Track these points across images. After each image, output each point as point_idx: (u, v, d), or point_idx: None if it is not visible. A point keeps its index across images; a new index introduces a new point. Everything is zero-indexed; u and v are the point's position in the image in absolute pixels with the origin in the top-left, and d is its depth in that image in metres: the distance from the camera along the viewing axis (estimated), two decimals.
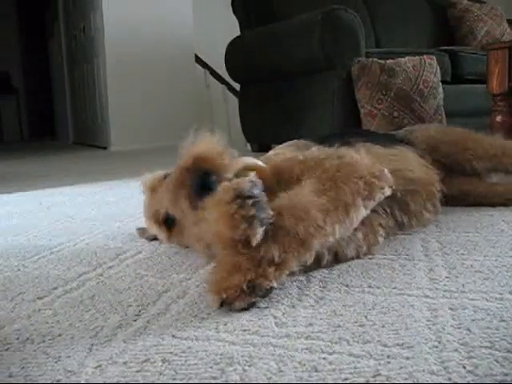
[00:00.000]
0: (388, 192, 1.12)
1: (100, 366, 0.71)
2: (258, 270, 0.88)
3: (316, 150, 1.21)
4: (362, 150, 1.26)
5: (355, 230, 1.16)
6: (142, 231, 1.43)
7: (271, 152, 1.44)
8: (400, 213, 1.31)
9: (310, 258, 0.95)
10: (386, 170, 1.13)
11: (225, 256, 0.93)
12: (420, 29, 4.47)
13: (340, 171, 1.05)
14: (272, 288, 0.89)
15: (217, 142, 1.16)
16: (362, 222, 1.19)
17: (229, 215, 0.88)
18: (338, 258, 1.11)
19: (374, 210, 1.23)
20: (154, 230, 1.27)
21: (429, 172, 1.44)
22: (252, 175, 1.09)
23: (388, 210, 1.27)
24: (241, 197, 0.89)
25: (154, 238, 1.38)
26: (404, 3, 4.53)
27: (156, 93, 5.55)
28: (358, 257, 1.15)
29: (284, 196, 1.00)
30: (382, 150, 1.37)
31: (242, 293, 0.87)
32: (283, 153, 1.35)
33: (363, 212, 1.05)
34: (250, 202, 0.89)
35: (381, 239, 1.21)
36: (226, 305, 0.87)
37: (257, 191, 0.91)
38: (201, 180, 1.06)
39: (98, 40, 5.54)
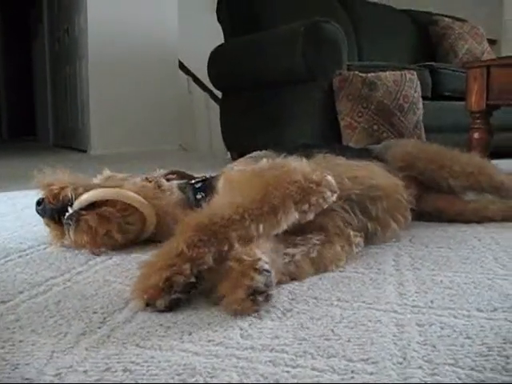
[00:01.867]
0: (332, 197, 1.14)
1: (59, 374, 0.69)
2: (173, 268, 0.91)
3: (264, 162, 1.23)
4: (317, 160, 1.30)
5: (331, 243, 1.17)
6: None
7: (234, 163, 1.46)
8: (363, 216, 1.31)
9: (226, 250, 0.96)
10: (328, 177, 1.15)
11: (146, 260, 0.99)
12: (402, 44, 4.51)
13: (274, 178, 1.09)
14: (191, 283, 0.92)
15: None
16: (338, 234, 1.20)
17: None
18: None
19: (348, 222, 1.25)
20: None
21: (393, 180, 1.44)
22: None
23: (350, 211, 1.28)
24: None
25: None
26: (387, 18, 4.58)
27: (138, 97, 5.53)
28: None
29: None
30: (342, 161, 1.38)
31: (161, 291, 0.90)
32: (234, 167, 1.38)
33: (295, 215, 1.07)
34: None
35: (355, 248, 1.25)
36: (151, 305, 0.91)
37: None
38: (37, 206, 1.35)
39: (81, 42, 5.50)
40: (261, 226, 1.01)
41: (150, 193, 1.38)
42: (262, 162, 1.25)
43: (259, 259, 0.92)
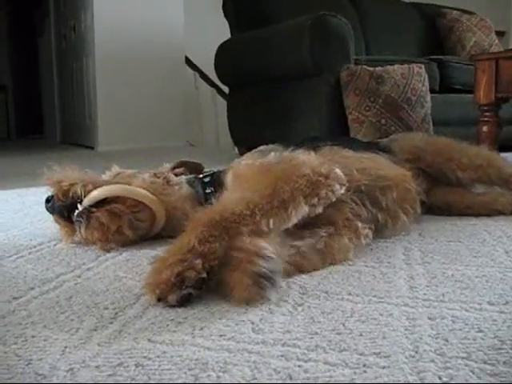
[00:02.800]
0: (340, 190, 1.15)
1: (72, 369, 0.70)
2: (185, 263, 0.92)
3: (273, 156, 1.24)
4: (325, 153, 1.31)
5: (339, 235, 1.17)
6: None
7: (242, 158, 1.45)
8: (372, 208, 1.31)
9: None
10: (336, 170, 1.15)
11: (158, 255, 1.00)
12: (410, 37, 4.49)
13: (283, 172, 1.10)
14: (202, 279, 0.92)
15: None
16: (346, 226, 1.20)
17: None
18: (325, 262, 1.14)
19: (356, 214, 1.25)
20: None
21: (401, 171, 1.44)
22: None
23: (359, 203, 1.28)
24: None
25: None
26: (395, 11, 4.55)
27: (145, 94, 5.53)
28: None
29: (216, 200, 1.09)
30: (349, 153, 1.38)
31: (173, 286, 0.90)
32: (249, 159, 1.37)
33: (305, 208, 1.08)
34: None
35: (364, 241, 1.24)
36: (162, 300, 0.91)
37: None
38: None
39: (88, 39, 5.51)
40: (271, 221, 1.01)
41: (159, 188, 1.38)
42: (269, 155, 1.25)
43: (262, 247, 0.93)
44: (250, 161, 1.34)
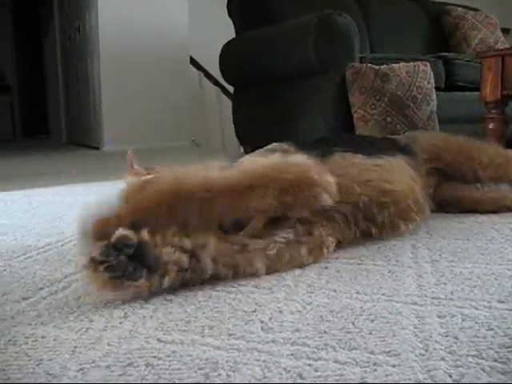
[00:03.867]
0: (326, 200, 1.11)
1: (82, 369, 0.70)
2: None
3: (275, 157, 1.20)
4: (336, 160, 1.30)
5: (300, 244, 1.14)
6: None
7: (249, 155, 1.42)
8: (365, 222, 1.29)
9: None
10: (331, 180, 1.12)
11: None
12: (414, 35, 4.47)
13: (267, 171, 1.08)
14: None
15: None
16: (309, 233, 1.18)
17: None
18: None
19: (332, 219, 1.23)
20: None
21: (410, 182, 1.41)
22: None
23: (351, 220, 1.27)
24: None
25: None
26: (399, 9, 4.54)
27: (150, 93, 5.53)
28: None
29: None
30: (360, 160, 1.35)
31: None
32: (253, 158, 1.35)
33: (273, 202, 1.04)
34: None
35: (326, 251, 1.19)
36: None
37: None
38: None
39: (92, 39, 5.51)
40: (226, 203, 1.01)
41: None
42: (274, 155, 1.23)
43: (116, 234, 0.92)
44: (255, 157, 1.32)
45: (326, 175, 1.13)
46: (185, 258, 0.97)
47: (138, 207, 1.00)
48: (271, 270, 1.08)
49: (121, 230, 0.92)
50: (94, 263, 0.89)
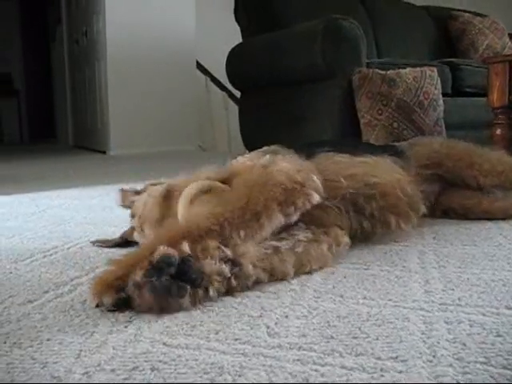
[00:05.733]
0: (316, 198, 1.12)
1: (87, 372, 0.70)
2: (130, 268, 0.91)
3: (264, 160, 1.22)
4: (319, 159, 1.32)
5: (319, 243, 1.16)
6: (103, 241, 1.42)
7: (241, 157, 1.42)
8: (356, 215, 1.30)
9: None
10: (314, 177, 1.14)
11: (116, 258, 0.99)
12: (421, 40, 4.47)
13: (257, 181, 1.09)
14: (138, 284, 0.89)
15: None
16: (326, 233, 1.19)
17: None
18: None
19: (338, 221, 1.24)
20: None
21: (397, 176, 1.41)
22: None
23: (343, 210, 1.28)
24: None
25: (116, 245, 1.39)
26: (406, 14, 4.54)
27: (156, 98, 5.55)
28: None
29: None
30: (343, 158, 1.37)
31: (109, 288, 0.89)
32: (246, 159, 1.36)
33: (279, 217, 1.06)
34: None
35: (342, 247, 1.22)
36: (98, 301, 0.90)
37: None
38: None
39: (99, 44, 5.54)
40: (242, 233, 1.00)
41: None
42: (264, 158, 1.24)
43: (157, 253, 0.90)
44: (242, 160, 1.33)
45: (310, 174, 1.14)
46: (226, 267, 0.96)
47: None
48: (299, 270, 1.10)
49: (162, 248, 0.91)
50: (138, 286, 0.88)
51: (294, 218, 1.10)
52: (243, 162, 1.30)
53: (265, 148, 1.46)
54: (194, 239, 0.97)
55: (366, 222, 1.32)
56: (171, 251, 0.91)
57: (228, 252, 0.97)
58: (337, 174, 1.27)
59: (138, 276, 0.88)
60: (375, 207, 1.31)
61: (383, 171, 1.39)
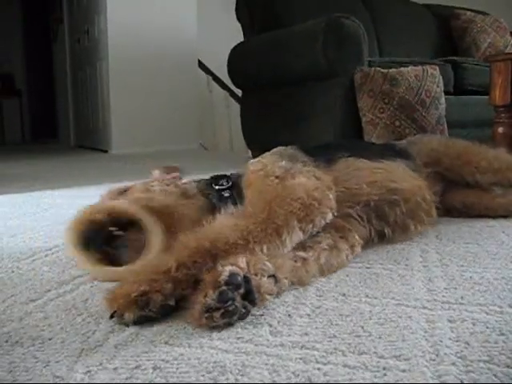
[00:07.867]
0: (330, 217, 1.12)
1: (89, 371, 0.70)
2: (154, 284, 0.86)
3: (281, 166, 1.21)
4: (340, 165, 1.31)
5: (338, 250, 1.16)
6: None
7: (257, 159, 1.40)
8: (378, 221, 1.30)
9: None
10: (330, 195, 1.13)
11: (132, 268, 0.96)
12: (423, 39, 4.46)
13: (278, 194, 1.08)
14: (169, 305, 0.87)
15: None
16: (344, 238, 1.20)
17: None
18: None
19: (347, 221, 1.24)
20: None
21: (416, 182, 1.42)
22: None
23: (365, 218, 1.28)
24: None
25: None
26: (408, 13, 4.53)
27: (158, 97, 5.54)
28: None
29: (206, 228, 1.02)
30: (364, 164, 1.37)
31: (132, 304, 0.84)
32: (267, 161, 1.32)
33: (299, 234, 1.05)
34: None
35: (357, 251, 1.22)
36: (118, 316, 0.85)
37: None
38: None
39: (101, 43, 5.53)
40: (265, 248, 0.98)
41: (178, 200, 1.26)
42: (279, 164, 1.23)
43: (225, 271, 0.85)
44: (260, 166, 1.29)
45: (327, 191, 1.13)
46: (273, 285, 0.94)
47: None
48: (318, 277, 1.09)
49: (228, 267, 0.87)
50: (210, 311, 0.82)
51: (309, 235, 1.10)
52: (256, 170, 1.27)
53: (280, 149, 1.43)
54: (223, 253, 0.93)
55: (388, 228, 1.32)
56: (237, 270, 0.86)
57: (270, 267, 0.94)
58: (359, 181, 1.27)
59: (209, 298, 0.82)
60: (398, 214, 1.32)
61: (400, 176, 1.39)
